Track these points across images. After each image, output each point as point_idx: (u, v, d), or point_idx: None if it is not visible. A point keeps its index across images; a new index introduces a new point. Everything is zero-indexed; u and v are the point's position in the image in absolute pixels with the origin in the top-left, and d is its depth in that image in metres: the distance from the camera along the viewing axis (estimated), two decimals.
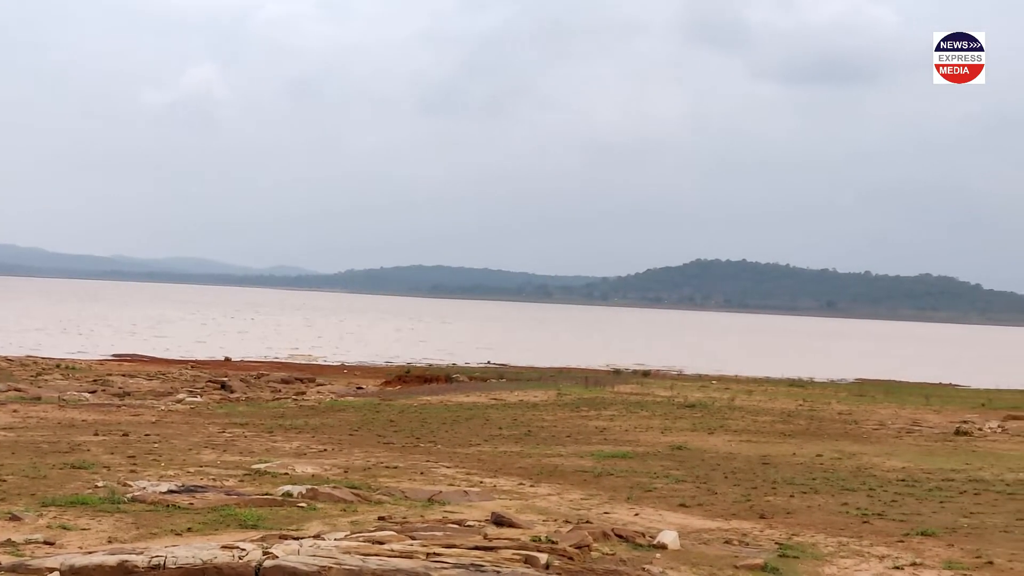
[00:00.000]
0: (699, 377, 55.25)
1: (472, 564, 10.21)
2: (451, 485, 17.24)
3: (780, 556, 12.50)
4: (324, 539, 11.24)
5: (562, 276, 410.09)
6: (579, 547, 11.61)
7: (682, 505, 16.12)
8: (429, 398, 36.33)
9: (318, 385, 42.72)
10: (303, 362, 60.25)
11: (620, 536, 12.79)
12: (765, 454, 23.03)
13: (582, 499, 16.36)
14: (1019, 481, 19.84)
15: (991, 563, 12.53)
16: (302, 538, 11.34)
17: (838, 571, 11.90)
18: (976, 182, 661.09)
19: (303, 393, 38.90)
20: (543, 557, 10.65)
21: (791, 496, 17.25)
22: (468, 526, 12.91)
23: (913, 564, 12.32)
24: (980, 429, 30.06)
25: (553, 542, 11.58)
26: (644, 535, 12.91)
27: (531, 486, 17.64)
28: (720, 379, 53.42)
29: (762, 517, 15.26)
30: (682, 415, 32.03)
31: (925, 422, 32.52)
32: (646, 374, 54.92)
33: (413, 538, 11.45)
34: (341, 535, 11.55)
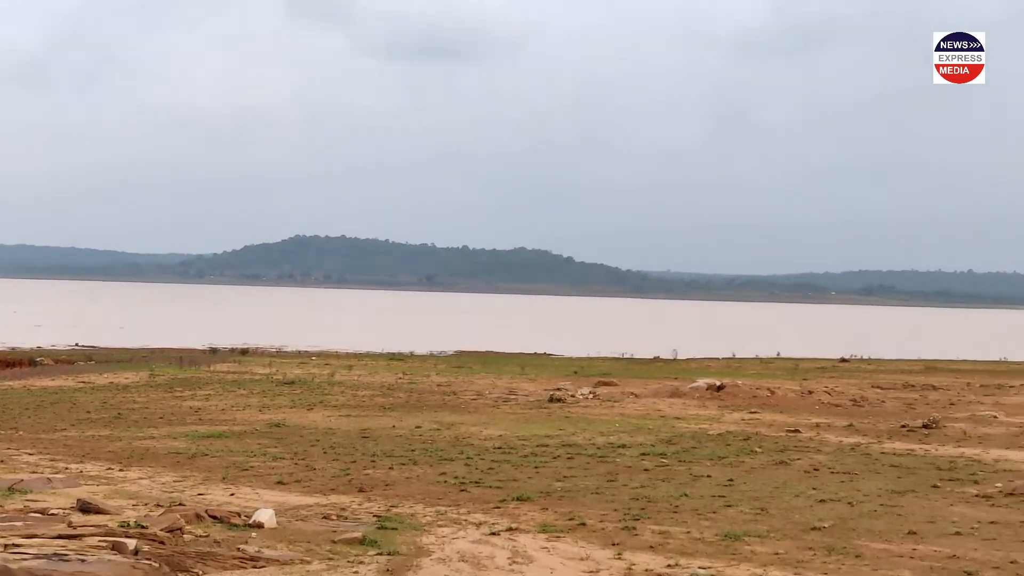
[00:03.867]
0: (299, 354, 55.09)
1: (55, 554, 9.76)
2: (34, 472, 16.40)
3: (379, 528, 12.61)
4: None
5: (155, 254, 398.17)
6: (171, 531, 11.29)
7: (280, 483, 16.00)
8: (11, 383, 34.45)
9: None
10: None
11: (215, 517, 12.54)
12: (365, 428, 23.21)
13: (175, 481, 15.94)
14: (609, 445, 20.87)
15: (583, 524, 13.11)
16: None
17: (436, 540, 12.12)
18: (567, 159, 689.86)
19: None
20: (132, 543, 10.30)
21: (390, 468, 17.45)
22: (51, 514, 12.32)
23: (509, 529, 12.72)
24: (573, 396, 31.41)
25: (143, 527, 11.22)
26: (240, 515, 12.72)
27: (121, 470, 17.04)
28: (320, 355, 53.45)
29: (361, 491, 15.36)
30: (281, 392, 31.82)
31: (521, 391, 33.71)
32: (244, 352, 54.20)
33: None
34: None
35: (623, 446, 20.67)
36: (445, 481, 16.24)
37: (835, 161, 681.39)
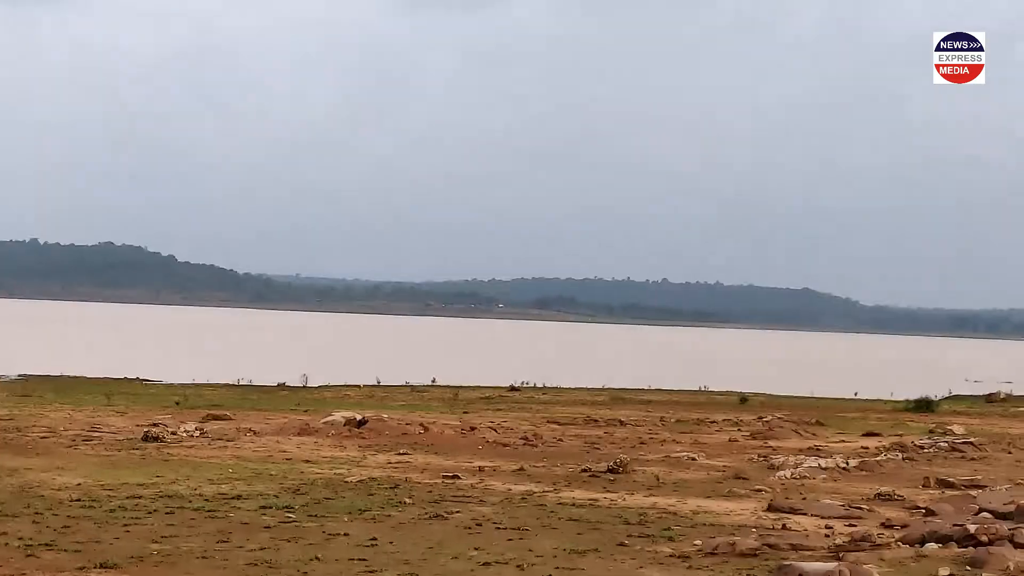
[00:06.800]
0: None
1: None
2: None
3: None
4: None
5: None
6: None
7: None
8: None
9: None
10: None
11: None
12: None
13: None
14: (220, 496, 20.70)
15: None
16: None
17: None
18: (173, 131, 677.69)
19: None
20: None
21: None
22: None
23: None
24: (174, 433, 30.98)
25: None
26: None
27: None
28: None
29: None
30: None
31: (107, 426, 33.02)
32: None
33: None
34: None
35: (238, 497, 20.56)
36: (6, 543, 15.77)
37: (505, 143, 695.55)
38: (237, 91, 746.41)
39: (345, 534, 17.20)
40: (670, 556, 16.35)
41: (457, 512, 19.67)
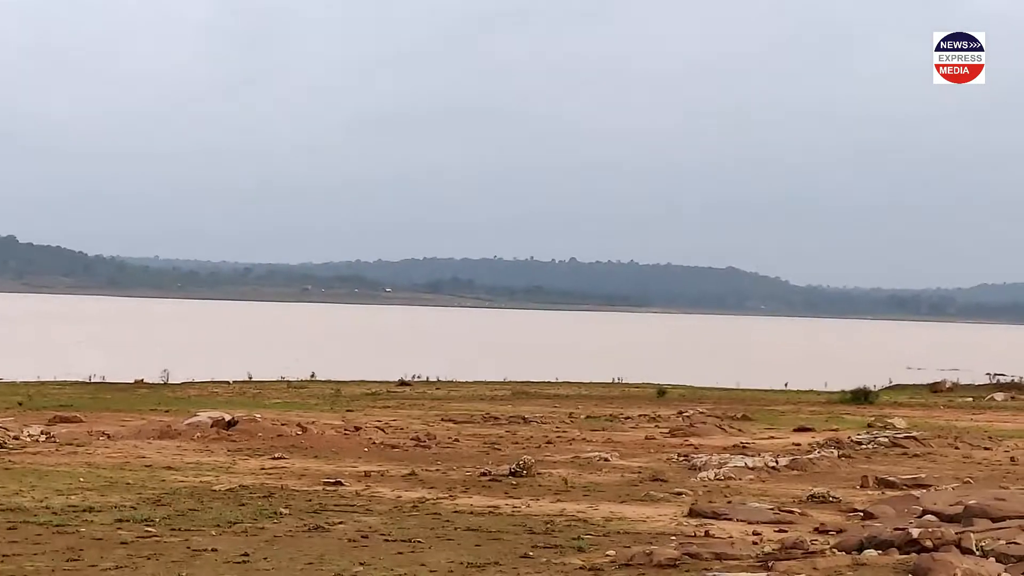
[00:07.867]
0: None
1: None
2: None
3: None
4: None
5: None
6: None
7: None
8: None
9: None
10: None
11: None
12: None
13: None
14: (71, 508, 20.50)
15: None
16: None
17: None
18: (15, 107, 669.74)
19: None
20: None
21: None
22: None
23: None
24: (17, 438, 30.70)
25: None
26: None
27: None
28: None
29: None
30: None
31: None
32: None
33: None
34: None
35: (91, 509, 20.38)
36: None
37: (389, 107, 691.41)
38: (86, 53, 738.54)
39: (213, 549, 17.09)
40: (580, 568, 16.37)
41: (340, 523, 19.61)
